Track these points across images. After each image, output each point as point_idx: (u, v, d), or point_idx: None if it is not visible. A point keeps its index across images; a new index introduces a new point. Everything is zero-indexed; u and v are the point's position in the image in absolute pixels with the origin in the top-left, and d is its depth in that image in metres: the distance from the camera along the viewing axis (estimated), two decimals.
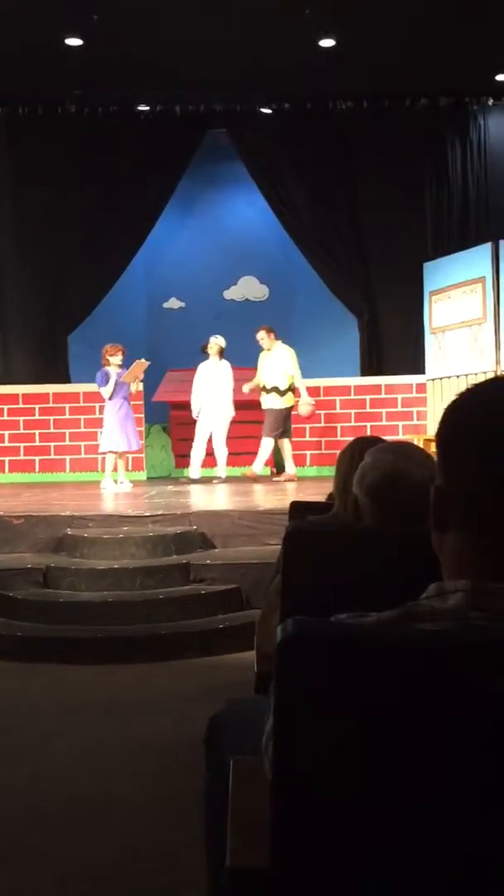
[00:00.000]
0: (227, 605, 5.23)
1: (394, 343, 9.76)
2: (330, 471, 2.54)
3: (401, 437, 8.80)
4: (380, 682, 0.87)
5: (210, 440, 8.41)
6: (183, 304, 10.63)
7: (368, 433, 8.29)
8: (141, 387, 8.44)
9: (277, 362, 8.28)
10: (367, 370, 9.80)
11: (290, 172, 9.77)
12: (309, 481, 8.53)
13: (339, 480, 2.45)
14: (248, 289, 10.67)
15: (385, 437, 2.37)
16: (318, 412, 9.33)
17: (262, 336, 8.41)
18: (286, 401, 8.34)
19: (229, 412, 8.33)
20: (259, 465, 8.38)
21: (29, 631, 4.95)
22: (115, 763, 3.28)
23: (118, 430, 8.09)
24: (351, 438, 2.58)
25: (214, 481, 8.31)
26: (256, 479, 8.29)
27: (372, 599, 1.12)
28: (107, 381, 8.16)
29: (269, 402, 8.29)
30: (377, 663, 0.87)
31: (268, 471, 9.70)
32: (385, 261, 9.70)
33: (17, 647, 4.80)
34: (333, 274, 9.86)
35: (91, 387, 9.21)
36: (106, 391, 8.15)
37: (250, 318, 10.25)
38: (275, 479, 8.48)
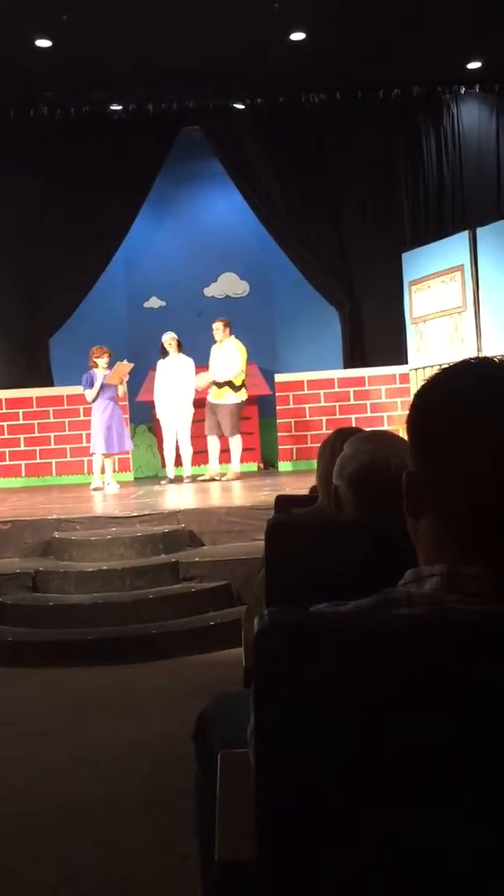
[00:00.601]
0: (217, 602, 5.24)
1: (375, 334, 9.78)
2: (315, 464, 2.55)
3: (386, 427, 8.82)
4: (358, 668, 0.87)
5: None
6: (164, 304, 10.61)
7: (354, 425, 8.31)
8: (124, 389, 8.43)
9: (226, 356, 8.20)
10: (349, 362, 9.82)
11: (266, 167, 9.76)
12: (294, 475, 8.55)
13: (320, 472, 2.46)
14: (229, 285, 10.67)
15: (367, 429, 2.38)
16: (299, 406, 9.36)
17: (217, 327, 8.31)
18: (241, 394, 8.27)
19: (190, 409, 8.26)
20: (237, 465, 8.37)
21: (19, 635, 4.94)
22: (109, 763, 3.29)
23: (103, 431, 8.09)
24: None
25: (185, 480, 8.29)
26: (239, 477, 8.28)
27: (355, 590, 1.12)
28: (91, 384, 8.16)
29: (226, 397, 8.17)
30: (355, 650, 0.87)
31: (255, 466, 9.72)
32: (364, 252, 9.71)
33: (7, 651, 4.79)
34: (313, 267, 9.87)
35: (75, 389, 9.18)
36: (89, 394, 8.15)
37: (232, 315, 10.20)
38: (187, 480, 8.27)
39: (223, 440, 8.29)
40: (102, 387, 8.12)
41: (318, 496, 2.56)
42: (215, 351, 8.33)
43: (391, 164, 9.75)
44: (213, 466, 8.35)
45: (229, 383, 8.17)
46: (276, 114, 9.67)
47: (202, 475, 8.41)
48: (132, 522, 6.12)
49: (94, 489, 8.18)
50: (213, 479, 8.22)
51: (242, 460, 9.64)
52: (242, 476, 8.60)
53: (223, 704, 1.82)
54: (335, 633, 0.88)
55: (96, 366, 8.23)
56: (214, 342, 8.39)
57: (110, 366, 8.23)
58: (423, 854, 0.85)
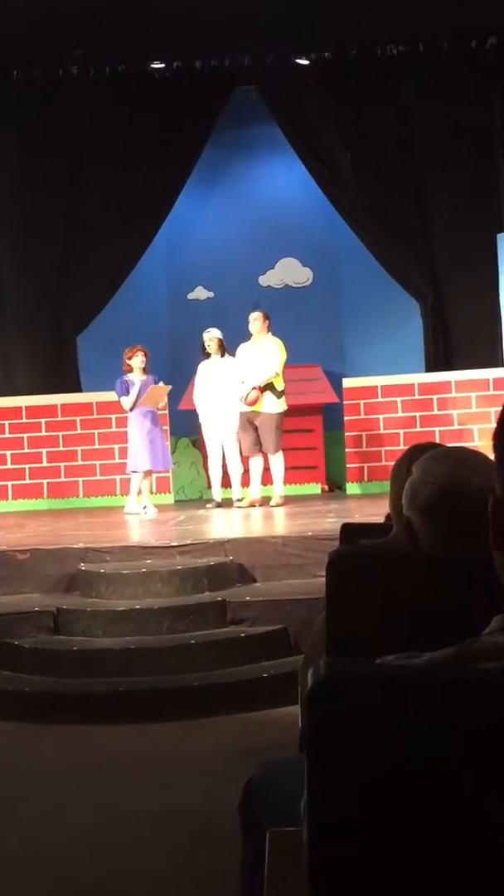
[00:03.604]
0: (271, 650, 5.23)
1: (464, 330, 9.70)
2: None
3: (477, 444, 8.73)
4: (433, 733, 0.87)
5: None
6: (211, 295, 10.68)
7: (437, 440, 8.24)
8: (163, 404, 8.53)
9: (263, 355, 8.18)
10: (432, 364, 9.75)
11: (334, 134, 9.79)
12: (365, 499, 8.50)
13: (394, 498, 2.45)
14: (289, 273, 10.69)
15: (451, 445, 2.36)
16: (372, 417, 9.31)
17: (255, 318, 8.28)
18: (283, 403, 8.21)
19: (236, 420, 8.24)
20: (282, 487, 8.34)
21: (38, 685, 5.00)
22: (140, 836, 3.31)
23: (146, 444, 8.14)
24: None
25: (235, 504, 8.31)
26: (286, 502, 8.26)
27: (432, 639, 1.12)
28: (128, 390, 8.23)
29: (267, 405, 8.10)
30: (429, 711, 0.87)
31: (318, 488, 9.70)
32: (451, 233, 9.66)
33: (24, 705, 4.85)
34: (389, 251, 9.85)
35: (106, 395, 9.29)
36: (126, 402, 8.22)
37: (292, 308, 10.27)
38: (236, 504, 8.26)
39: (264, 458, 8.28)
40: (139, 395, 8.19)
41: (392, 525, 2.55)
42: (247, 350, 8.31)
43: (486, 128, 9.68)
44: (255, 491, 8.34)
45: (270, 387, 8.13)
46: (346, 70, 9.70)
47: (240, 500, 8.38)
48: (171, 553, 6.15)
49: (130, 513, 8.25)
50: (253, 506, 8.22)
51: (303, 480, 9.63)
52: (301, 501, 8.57)
53: (275, 772, 1.82)
54: (405, 691, 0.88)
55: (130, 369, 8.31)
56: (248, 337, 8.32)
57: (149, 369, 8.32)
58: None
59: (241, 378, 8.14)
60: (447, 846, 0.86)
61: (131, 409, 8.23)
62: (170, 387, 8.43)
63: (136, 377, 8.25)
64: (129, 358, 8.31)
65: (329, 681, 0.87)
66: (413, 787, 0.86)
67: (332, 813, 0.89)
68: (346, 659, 0.92)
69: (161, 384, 8.35)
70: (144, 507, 8.31)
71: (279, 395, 8.16)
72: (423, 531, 1.74)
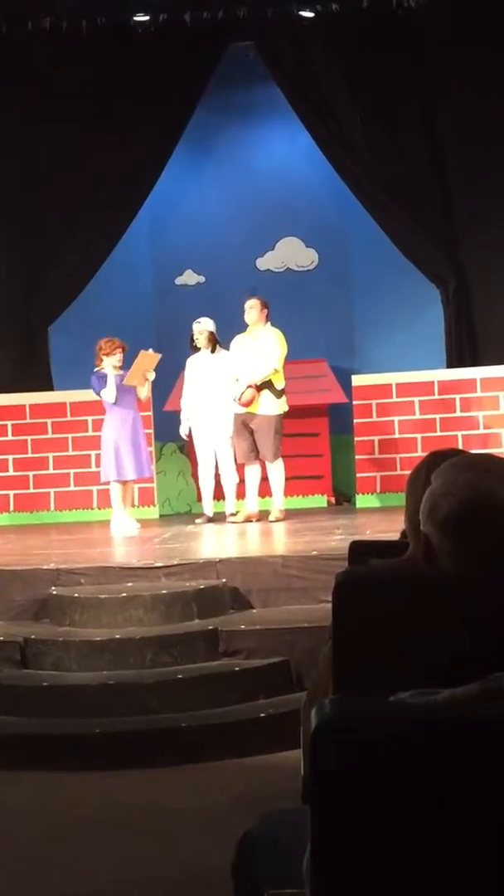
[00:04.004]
0: (270, 687, 5.22)
1: (491, 321, 9.71)
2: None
3: None
4: (455, 782, 0.87)
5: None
6: (202, 279, 10.69)
7: (460, 445, 8.25)
8: (149, 391, 8.47)
9: (261, 349, 8.17)
10: (455, 360, 9.76)
11: (344, 97, 9.80)
12: (378, 513, 8.51)
13: (410, 511, 2.45)
14: (290, 255, 10.71)
15: (476, 451, 2.37)
16: (386, 419, 9.32)
17: (252, 306, 8.24)
18: (283, 404, 8.19)
19: (231, 423, 8.24)
20: (282, 500, 8.34)
21: (3, 726, 4.98)
22: None
23: (130, 450, 8.12)
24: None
25: (228, 519, 8.31)
26: (285, 517, 8.26)
27: (453, 673, 1.12)
28: (105, 383, 8.22)
29: (264, 406, 8.09)
30: (451, 757, 0.87)
31: (323, 501, 9.70)
32: (477, 211, 9.67)
33: None
34: (406, 231, 9.86)
35: (81, 394, 9.28)
36: (108, 394, 8.20)
37: (294, 295, 10.28)
38: (230, 519, 8.26)
39: (262, 466, 8.28)
40: (119, 390, 8.19)
41: (408, 542, 2.55)
42: (243, 343, 8.31)
43: None
44: (252, 504, 8.34)
45: (268, 385, 8.13)
46: (355, 24, 9.73)
47: (234, 514, 8.38)
48: (156, 576, 6.14)
49: (120, 532, 8.17)
50: (250, 521, 8.22)
51: (306, 492, 9.63)
52: (305, 515, 8.57)
53: (274, 827, 1.82)
54: (423, 733, 0.88)
55: (104, 365, 8.26)
56: (244, 328, 8.31)
57: (125, 365, 8.28)
58: None
59: (235, 375, 8.14)
60: None
61: (115, 402, 8.19)
62: (160, 354, 8.37)
63: (112, 374, 8.21)
64: (107, 354, 8.23)
65: (336, 721, 0.87)
66: (433, 843, 0.86)
67: (340, 873, 0.89)
68: (354, 696, 0.92)
69: (150, 351, 8.31)
70: (125, 522, 8.31)
71: (279, 394, 8.15)
72: (444, 549, 1.74)
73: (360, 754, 0.87)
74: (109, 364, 8.19)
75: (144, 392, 8.35)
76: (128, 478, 8.27)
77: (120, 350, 8.26)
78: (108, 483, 8.39)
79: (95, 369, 8.33)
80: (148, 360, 8.26)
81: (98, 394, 8.29)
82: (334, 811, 0.88)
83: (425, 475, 2.32)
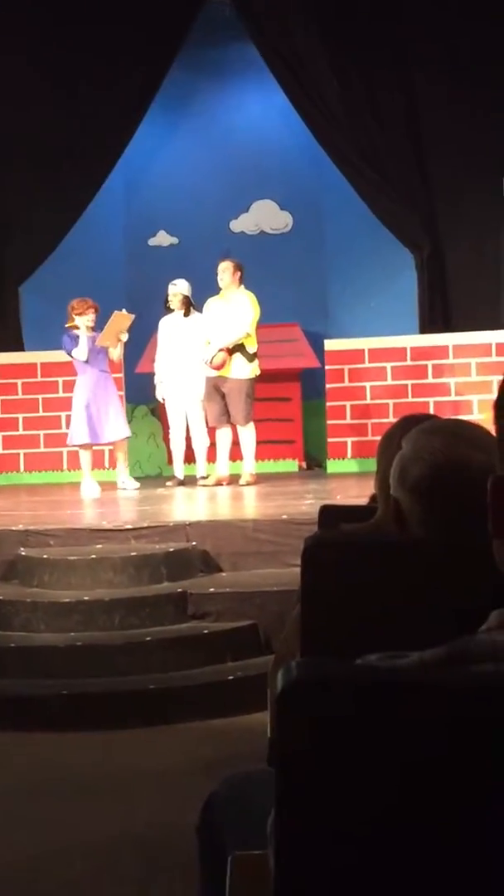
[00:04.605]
0: (238, 649, 5.25)
1: (465, 287, 9.72)
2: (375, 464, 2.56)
3: (476, 416, 8.79)
4: (422, 744, 0.87)
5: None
6: (175, 241, 10.64)
7: (431, 412, 8.28)
8: (121, 352, 8.41)
9: (234, 312, 8.13)
10: (427, 325, 9.78)
11: (320, 55, 9.72)
12: (349, 478, 8.54)
13: (381, 476, 2.45)
14: (264, 217, 10.67)
15: (448, 417, 2.37)
16: (358, 385, 9.33)
17: (225, 269, 8.21)
18: (255, 367, 8.16)
19: (204, 387, 8.23)
20: (252, 464, 8.35)
21: None
22: (87, 863, 3.32)
23: (95, 413, 8.09)
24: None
25: (199, 482, 8.33)
26: (256, 481, 8.27)
27: (420, 636, 1.12)
28: (77, 342, 8.17)
29: (236, 370, 8.06)
30: (418, 719, 0.87)
31: (294, 465, 9.72)
32: (452, 174, 9.65)
33: None
34: (381, 194, 9.83)
35: (52, 355, 9.22)
36: (79, 353, 8.14)
37: (268, 257, 10.24)
38: (201, 482, 8.28)
39: (233, 430, 8.28)
40: (90, 352, 8.14)
41: (377, 507, 2.55)
42: (216, 305, 8.27)
43: (498, 50, 9.62)
44: (223, 467, 8.35)
45: (240, 349, 8.10)
46: None
47: (205, 477, 8.38)
48: (125, 538, 6.14)
49: (87, 493, 8.14)
50: (220, 484, 8.23)
51: (278, 456, 9.64)
52: (276, 479, 8.59)
53: (239, 788, 1.83)
54: (390, 696, 0.88)
55: (76, 327, 8.21)
56: (217, 291, 8.28)
57: (97, 326, 8.23)
58: None
59: (207, 338, 8.10)
60: (435, 871, 0.86)
61: (87, 362, 8.14)
62: (133, 315, 8.32)
63: (85, 335, 8.16)
64: (79, 314, 8.17)
65: (302, 683, 0.87)
66: (397, 804, 0.86)
67: (304, 834, 0.89)
68: (322, 659, 0.92)
69: (123, 311, 8.25)
70: (123, 486, 8.30)
71: (250, 357, 8.13)
72: (414, 514, 1.74)
73: (325, 716, 0.86)
74: (83, 323, 8.13)
75: (117, 353, 8.30)
76: (100, 441, 8.24)
77: (92, 310, 8.20)
78: (77, 446, 8.36)
79: (67, 327, 8.27)
80: (121, 320, 8.21)
81: (69, 353, 8.24)
82: (299, 773, 0.88)
83: (397, 440, 2.32)
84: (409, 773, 0.86)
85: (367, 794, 0.88)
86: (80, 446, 8.28)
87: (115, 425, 8.21)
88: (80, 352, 8.12)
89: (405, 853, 0.86)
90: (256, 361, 8.18)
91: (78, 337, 8.15)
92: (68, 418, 8.66)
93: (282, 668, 0.91)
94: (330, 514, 3.11)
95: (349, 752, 0.88)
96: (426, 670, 0.96)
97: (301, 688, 0.86)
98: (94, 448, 8.42)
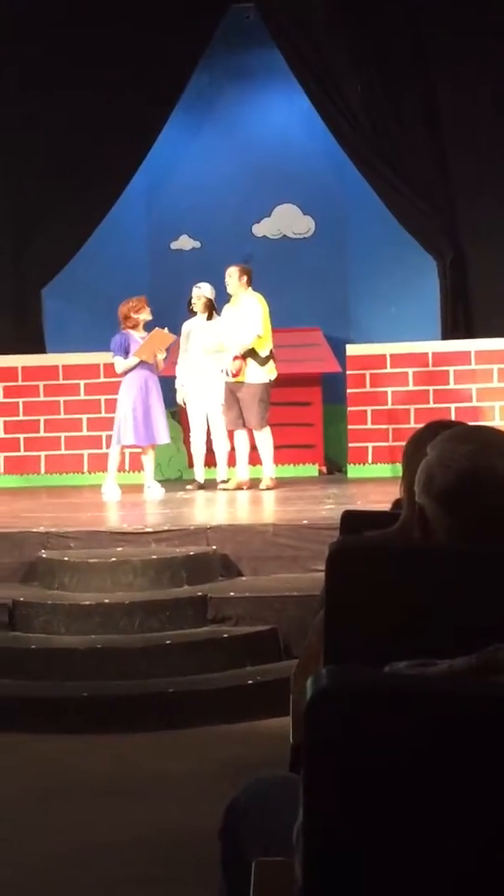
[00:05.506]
0: (257, 654, 5.23)
1: (488, 293, 9.68)
2: (400, 469, 2.57)
3: (498, 423, 8.76)
4: (451, 753, 0.86)
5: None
6: (198, 244, 10.64)
7: (453, 418, 8.25)
8: (161, 364, 8.40)
9: (243, 317, 8.12)
10: (450, 331, 9.74)
11: (344, 59, 9.71)
12: (369, 483, 8.52)
13: (406, 482, 2.44)
14: (286, 222, 10.66)
15: (474, 424, 2.36)
16: (379, 390, 9.31)
17: (231, 274, 8.19)
18: (271, 370, 8.15)
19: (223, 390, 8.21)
20: (271, 468, 8.34)
21: None
22: (106, 866, 3.31)
23: (141, 415, 8.08)
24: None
25: (219, 486, 8.33)
26: (277, 484, 8.27)
27: (448, 645, 1.12)
28: (127, 351, 8.16)
29: (251, 374, 8.05)
30: (447, 728, 0.87)
31: (315, 470, 9.71)
32: (477, 180, 9.62)
33: None
34: (404, 200, 9.81)
35: (74, 357, 9.25)
36: (120, 364, 8.15)
37: (290, 262, 10.24)
38: (221, 486, 8.29)
39: (250, 434, 8.28)
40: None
41: (401, 513, 2.55)
42: (228, 312, 8.29)
43: None
44: (242, 471, 8.35)
45: (252, 353, 8.09)
46: None
47: (226, 481, 8.39)
48: (146, 541, 6.15)
49: (150, 497, 8.14)
50: (240, 488, 8.22)
51: (298, 461, 9.63)
52: (296, 484, 8.57)
53: (261, 793, 1.83)
54: (420, 705, 0.88)
55: (135, 325, 8.20)
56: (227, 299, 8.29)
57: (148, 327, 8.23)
58: None
59: (222, 344, 8.12)
60: (467, 880, 0.86)
61: (124, 374, 8.16)
62: (174, 337, 8.33)
63: (139, 335, 8.15)
64: (137, 311, 8.16)
65: (332, 691, 0.86)
66: (428, 813, 0.86)
67: (332, 840, 0.88)
68: (351, 667, 0.92)
69: (166, 330, 8.26)
70: (149, 487, 8.29)
71: (263, 361, 8.09)
72: (439, 521, 1.73)
73: (355, 724, 0.86)
74: (143, 319, 8.13)
75: (160, 359, 8.30)
76: (142, 443, 8.22)
77: (148, 308, 8.18)
78: (127, 447, 8.31)
79: (121, 331, 8.22)
80: (161, 338, 8.20)
81: (114, 354, 8.21)
82: (328, 781, 0.87)
83: (420, 446, 2.32)
84: (440, 782, 0.86)
85: (397, 802, 0.88)
86: (125, 447, 8.26)
87: (158, 429, 8.22)
88: (122, 364, 8.13)
89: (437, 862, 0.85)
90: (271, 364, 8.15)
91: (127, 341, 8.12)
92: (89, 420, 8.69)
93: (309, 674, 0.91)
94: (352, 520, 3.10)
95: (379, 760, 0.88)
96: (456, 679, 0.96)
97: (332, 696, 0.86)
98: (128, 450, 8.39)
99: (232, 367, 8.01)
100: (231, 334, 8.10)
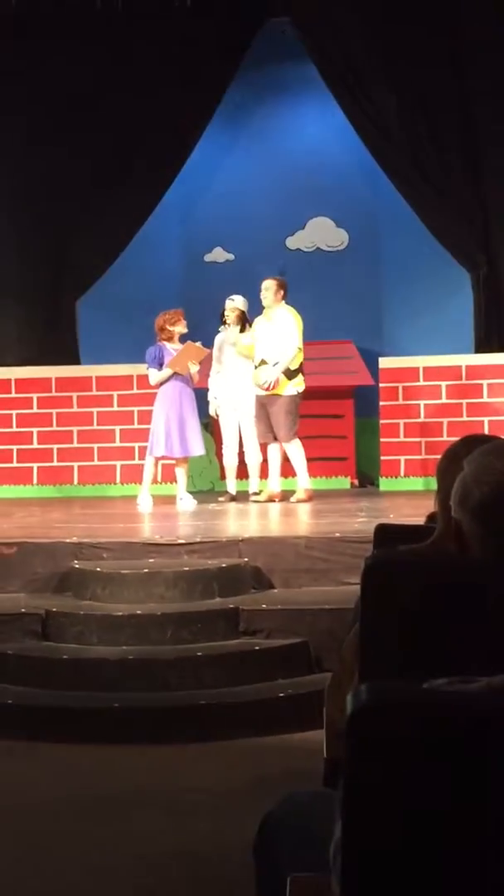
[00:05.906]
0: (289, 667, 5.22)
1: None
2: (433, 482, 2.56)
3: None
4: (491, 770, 0.86)
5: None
6: (231, 257, 10.68)
7: (486, 432, 8.21)
8: (194, 377, 8.42)
9: (278, 330, 8.11)
10: (484, 344, 9.72)
11: (378, 75, 9.74)
12: (402, 497, 8.49)
13: (441, 496, 2.43)
14: (320, 234, 10.68)
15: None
16: (412, 403, 9.28)
17: (267, 287, 8.20)
18: (299, 383, 8.15)
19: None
20: (306, 479, 8.32)
21: (23, 698, 5.01)
22: (137, 878, 3.31)
23: (175, 427, 8.10)
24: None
25: (252, 497, 8.33)
26: (311, 496, 8.26)
27: (486, 661, 1.11)
28: (161, 364, 8.19)
29: (280, 388, 8.05)
30: (489, 745, 0.86)
31: (346, 483, 9.69)
32: None
33: (7, 719, 4.86)
34: (438, 213, 9.81)
35: (108, 369, 9.29)
36: (154, 376, 8.18)
37: (324, 275, 10.25)
38: (253, 498, 8.30)
39: (281, 447, 8.27)
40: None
41: (434, 527, 2.54)
42: (261, 326, 8.29)
43: None
44: (275, 483, 8.35)
45: (284, 367, 8.06)
46: (393, 1, 9.64)
47: (258, 493, 8.39)
48: (178, 552, 6.15)
49: (182, 505, 8.17)
50: (272, 500, 8.22)
51: (330, 473, 9.62)
52: (328, 496, 8.56)
53: (295, 809, 1.82)
54: (460, 720, 0.87)
55: (170, 337, 8.24)
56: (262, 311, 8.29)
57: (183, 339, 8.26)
58: None
59: (259, 357, 8.11)
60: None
61: (158, 386, 8.18)
62: (208, 350, 8.35)
63: (175, 348, 8.18)
64: (174, 324, 8.18)
65: (374, 707, 0.86)
66: (468, 830, 0.85)
67: (372, 856, 0.88)
68: (391, 683, 0.91)
69: (198, 344, 8.26)
70: (181, 499, 8.29)
71: (292, 374, 8.10)
72: (475, 536, 1.72)
73: (396, 741, 0.86)
74: (178, 332, 8.15)
75: (194, 370, 8.30)
76: (174, 455, 8.22)
77: (184, 320, 8.20)
78: (161, 458, 8.33)
79: (157, 343, 8.24)
80: (195, 352, 8.21)
81: (148, 366, 8.24)
82: (368, 797, 0.87)
83: (456, 460, 2.31)
84: (482, 798, 0.85)
85: (437, 819, 0.87)
86: (159, 458, 8.29)
87: (192, 441, 8.23)
88: (156, 376, 8.15)
89: (480, 881, 0.85)
90: (300, 377, 8.17)
91: (163, 354, 8.15)
92: (122, 432, 8.71)
93: (343, 689, 0.91)
94: (385, 534, 3.09)
95: (419, 776, 0.87)
96: (496, 697, 0.95)
97: (372, 712, 0.86)
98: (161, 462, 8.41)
99: (272, 381, 8.03)
100: (266, 347, 8.11)
